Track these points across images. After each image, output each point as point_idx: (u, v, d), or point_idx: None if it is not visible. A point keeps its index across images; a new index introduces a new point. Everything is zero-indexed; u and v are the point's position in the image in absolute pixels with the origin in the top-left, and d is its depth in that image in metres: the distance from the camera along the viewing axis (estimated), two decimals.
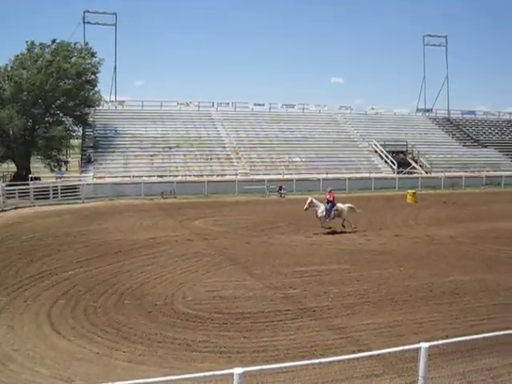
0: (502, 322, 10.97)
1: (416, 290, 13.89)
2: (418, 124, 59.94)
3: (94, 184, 37.00)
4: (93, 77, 43.47)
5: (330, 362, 6.68)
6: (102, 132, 47.20)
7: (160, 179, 39.70)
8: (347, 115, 58.16)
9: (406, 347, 6.72)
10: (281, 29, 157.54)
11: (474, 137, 58.78)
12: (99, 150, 43.98)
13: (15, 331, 10.83)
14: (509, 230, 23.24)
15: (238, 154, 46.20)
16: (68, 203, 32.96)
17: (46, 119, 42.59)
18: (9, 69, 40.44)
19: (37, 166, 44.99)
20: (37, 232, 22.63)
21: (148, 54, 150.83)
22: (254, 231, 23.22)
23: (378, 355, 7.63)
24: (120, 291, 13.70)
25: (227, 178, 41.26)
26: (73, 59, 41.70)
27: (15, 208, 30.44)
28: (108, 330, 10.94)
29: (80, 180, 38.12)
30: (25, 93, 39.25)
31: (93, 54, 43.32)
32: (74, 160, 48.16)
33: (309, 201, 22.83)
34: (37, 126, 41.46)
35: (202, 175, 41.01)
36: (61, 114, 43.73)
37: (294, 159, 46.51)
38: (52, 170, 43.11)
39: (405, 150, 51.14)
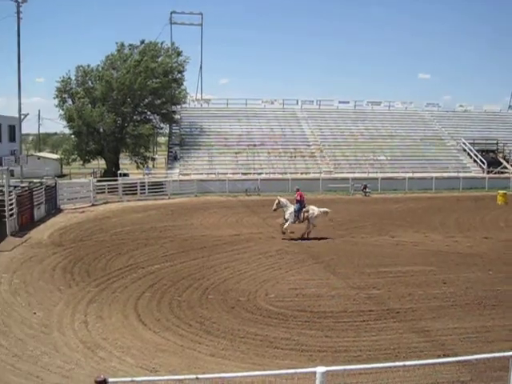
0: None
1: (506, 295, 13.07)
2: (509, 121, 56.43)
3: (180, 181, 37.63)
4: (179, 75, 44.62)
5: (414, 366, 6.45)
6: (188, 130, 48.04)
7: (244, 176, 39.98)
8: (435, 112, 55.81)
9: (496, 354, 6.36)
10: (363, 25, 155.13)
11: None
12: (185, 147, 44.83)
13: (104, 321, 11.29)
14: None
15: (322, 151, 45.55)
16: (155, 199, 33.76)
17: (135, 117, 44.04)
18: (100, 69, 42.21)
19: (125, 162, 46.78)
20: (125, 226, 23.41)
21: (232, 53, 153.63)
22: (338, 230, 22.86)
23: (465, 361, 7.52)
24: (204, 286, 13.87)
25: (311, 175, 40.84)
26: (160, 58, 43.00)
27: (105, 203, 31.59)
28: (192, 324, 11.19)
29: (166, 176, 38.96)
30: (115, 92, 40.75)
31: (179, 53, 44.46)
32: (161, 157, 49.62)
33: (277, 201, 21.20)
34: (126, 124, 43.02)
35: (285, 173, 40.83)
36: (148, 112, 45.02)
37: (379, 157, 45.36)
38: (138, 167, 44.63)
39: (495, 148, 48.87)
